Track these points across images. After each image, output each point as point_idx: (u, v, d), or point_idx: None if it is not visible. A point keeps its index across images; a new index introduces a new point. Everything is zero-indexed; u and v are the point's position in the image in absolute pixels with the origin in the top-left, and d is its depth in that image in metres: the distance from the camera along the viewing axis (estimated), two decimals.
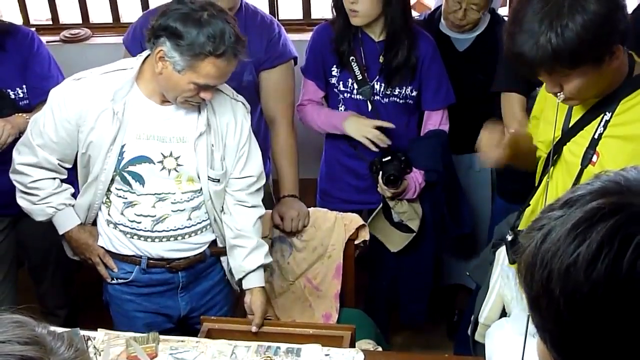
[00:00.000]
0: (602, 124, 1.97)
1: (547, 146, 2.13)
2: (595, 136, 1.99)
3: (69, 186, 2.57)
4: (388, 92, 3.01)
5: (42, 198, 2.53)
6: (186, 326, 2.73)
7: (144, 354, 2.03)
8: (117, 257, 2.57)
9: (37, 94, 2.90)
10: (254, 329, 2.46)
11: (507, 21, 1.97)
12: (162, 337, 2.34)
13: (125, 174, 2.43)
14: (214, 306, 2.65)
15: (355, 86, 3.00)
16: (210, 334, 2.46)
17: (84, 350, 1.09)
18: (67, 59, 3.50)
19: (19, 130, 2.74)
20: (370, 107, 3.03)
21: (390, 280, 3.34)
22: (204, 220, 2.54)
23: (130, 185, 2.44)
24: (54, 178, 2.53)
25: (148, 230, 2.49)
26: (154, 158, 2.42)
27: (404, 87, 3.00)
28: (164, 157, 2.42)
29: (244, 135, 2.52)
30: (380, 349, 2.89)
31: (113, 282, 2.61)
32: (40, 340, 1.03)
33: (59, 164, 2.50)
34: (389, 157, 3.00)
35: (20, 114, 2.82)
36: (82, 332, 2.33)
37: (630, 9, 2.25)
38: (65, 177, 2.57)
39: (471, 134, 3.21)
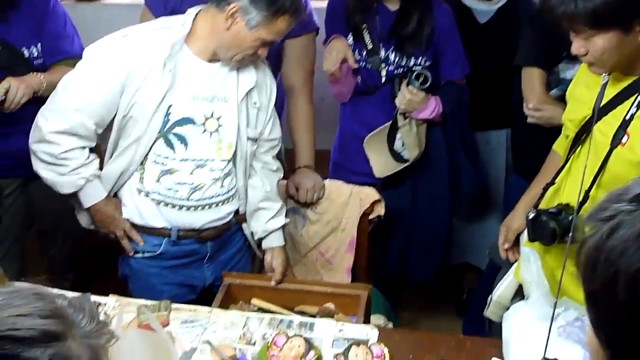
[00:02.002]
0: (636, 104, 1.95)
1: (577, 125, 2.10)
2: (627, 117, 1.96)
3: (96, 156, 2.46)
4: (403, 63, 2.97)
5: (73, 169, 2.40)
6: (208, 295, 2.61)
7: (156, 322, 2.00)
8: (145, 230, 2.50)
9: (52, 53, 2.85)
10: (273, 283, 2.54)
11: None
12: (173, 305, 2.31)
13: (170, 136, 2.37)
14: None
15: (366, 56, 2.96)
16: (230, 289, 2.48)
17: (105, 322, 1.05)
18: (80, 19, 3.42)
19: (32, 90, 2.70)
20: (384, 78, 2.98)
21: (400, 251, 3.30)
22: (233, 188, 2.51)
23: (173, 148, 2.38)
24: (84, 147, 2.41)
25: (184, 199, 2.43)
26: (197, 120, 2.38)
27: (419, 57, 2.96)
28: (206, 118, 2.39)
29: (272, 99, 2.54)
30: (391, 324, 2.88)
31: (137, 255, 2.54)
32: (62, 313, 0.99)
33: (95, 128, 2.37)
34: (420, 72, 2.90)
35: (34, 74, 2.77)
36: (93, 298, 2.29)
37: None
38: (94, 145, 2.45)
39: (489, 109, 3.19)
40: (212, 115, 2.39)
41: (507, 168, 3.36)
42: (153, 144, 2.37)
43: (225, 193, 2.49)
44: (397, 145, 3.05)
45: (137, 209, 2.47)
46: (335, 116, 3.26)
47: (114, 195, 2.51)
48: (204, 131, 2.39)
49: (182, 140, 2.38)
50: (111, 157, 2.43)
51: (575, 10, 1.83)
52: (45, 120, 2.37)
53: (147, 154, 2.39)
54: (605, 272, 0.87)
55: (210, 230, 2.52)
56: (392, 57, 2.97)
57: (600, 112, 2.01)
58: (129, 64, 2.30)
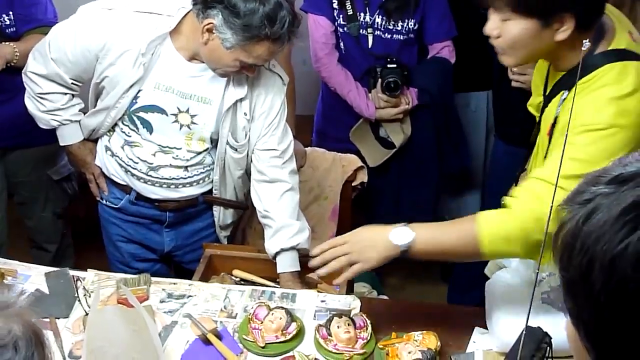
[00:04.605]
0: (560, 103, 1.86)
1: (536, 109, 2.05)
2: (556, 114, 1.88)
3: (80, 101, 2.51)
4: (390, 27, 2.94)
5: (49, 110, 2.47)
6: (171, 262, 2.74)
7: (134, 298, 1.97)
8: (110, 181, 2.56)
9: (25, 21, 2.80)
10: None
11: None
12: (154, 279, 2.28)
13: (135, 117, 2.37)
14: (198, 248, 2.58)
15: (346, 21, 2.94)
16: (211, 261, 2.45)
17: (13, 286, 1.05)
18: None
19: (5, 61, 2.67)
20: (370, 43, 2.95)
21: (387, 221, 3.28)
22: (201, 173, 2.47)
23: (137, 128, 2.38)
24: (65, 93, 2.45)
25: (142, 173, 2.45)
26: (168, 110, 2.34)
27: (406, 20, 2.93)
28: (180, 111, 2.34)
29: (275, 109, 2.39)
30: (375, 292, 2.87)
31: (103, 202, 2.62)
32: None
33: (72, 82, 2.42)
34: (394, 65, 2.94)
35: (6, 43, 2.72)
36: (72, 272, 2.27)
37: None
38: (78, 93, 2.49)
39: (470, 71, 3.15)
40: (186, 111, 2.34)
41: (487, 130, 3.34)
42: (120, 118, 2.39)
43: (188, 177, 2.46)
44: (382, 132, 3.06)
45: (105, 163, 2.53)
46: (317, 80, 3.21)
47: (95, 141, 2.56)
48: (175, 121, 2.36)
49: (147, 125, 2.37)
50: (90, 110, 2.48)
51: None
52: (33, 59, 2.43)
53: (116, 123, 2.41)
54: (581, 260, 0.83)
55: (170, 202, 2.52)
56: (378, 20, 2.93)
57: (545, 100, 1.95)
58: (107, 37, 2.28)
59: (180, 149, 2.40)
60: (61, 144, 2.58)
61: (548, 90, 1.95)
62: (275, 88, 2.40)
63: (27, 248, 3.28)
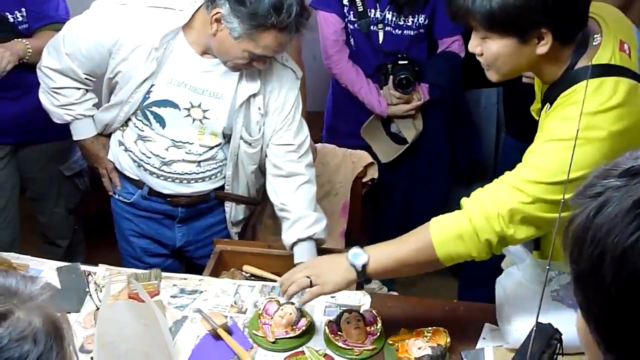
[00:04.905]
0: (545, 114, 1.85)
1: (536, 114, 2.04)
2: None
3: (93, 96, 2.53)
4: (401, 23, 2.95)
5: (63, 104, 2.49)
6: (182, 257, 2.74)
7: (144, 293, 1.98)
8: (123, 176, 2.57)
9: (37, 18, 2.81)
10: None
11: None
12: (164, 274, 2.30)
13: (148, 112, 2.38)
14: (210, 244, 2.59)
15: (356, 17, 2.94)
16: (222, 256, 2.46)
17: (35, 277, 1.07)
18: None
19: (18, 57, 2.68)
20: (381, 39, 2.95)
21: (398, 216, 3.29)
22: (214, 169, 2.48)
23: (150, 123, 2.40)
24: (79, 88, 2.47)
25: (155, 168, 2.46)
26: (181, 105, 2.35)
27: (416, 16, 2.93)
28: (192, 106, 2.35)
29: (289, 104, 2.39)
30: (385, 288, 2.87)
31: (116, 197, 2.64)
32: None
33: (85, 77, 2.44)
34: (406, 61, 2.94)
35: (19, 40, 2.73)
36: (83, 267, 2.29)
37: None
38: (92, 88, 2.51)
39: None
40: (198, 106, 2.35)
41: (497, 126, 3.33)
42: (133, 113, 2.40)
43: (200, 172, 2.47)
44: (394, 128, 3.06)
45: (118, 158, 2.54)
46: (327, 76, 3.21)
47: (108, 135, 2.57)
48: (187, 116, 2.37)
49: (160, 119, 2.38)
50: (103, 105, 2.49)
51: (472, 7, 1.70)
52: (47, 54, 2.45)
53: (129, 118, 2.42)
54: (591, 252, 0.83)
55: (182, 197, 2.53)
56: (389, 16, 2.93)
57: (541, 107, 1.94)
58: (120, 32, 2.30)
59: (192, 143, 2.40)
60: (74, 138, 2.59)
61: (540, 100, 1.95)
62: (289, 82, 2.40)
63: (38, 243, 3.30)
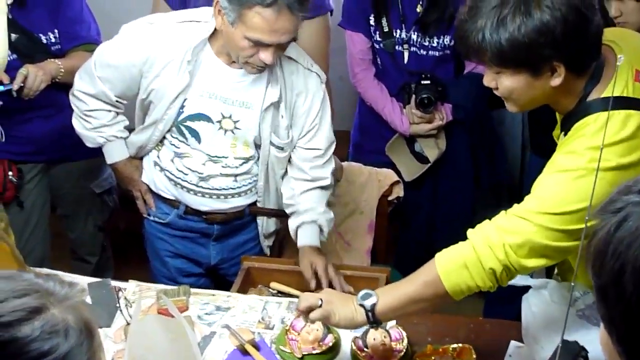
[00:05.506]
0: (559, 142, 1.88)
1: (557, 139, 2.05)
2: None
3: (124, 118, 2.58)
4: (426, 43, 2.96)
5: (95, 127, 2.54)
6: (216, 276, 2.76)
7: (174, 308, 2.00)
8: (158, 196, 2.60)
9: (69, 39, 2.86)
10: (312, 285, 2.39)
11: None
12: (193, 290, 2.32)
13: (183, 128, 2.42)
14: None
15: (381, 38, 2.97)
16: (249, 273, 2.49)
17: (72, 282, 1.10)
18: (96, 4, 3.42)
19: (50, 77, 2.72)
20: (406, 59, 2.98)
21: (423, 235, 3.30)
22: (249, 184, 2.52)
23: (186, 138, 2.43)
24: (110, 110, 2.52)
25: (193, 184, 2.49)
26: (214, 117, 2.38)
27: (442, 37, 2.95)
28: (223, 117, 2.39)
29: (315, 108, 2.44)
30: None
31: (150, 218, 2.66)
32: (36, 287, 1.03)
33: (117, 100, 2.49)
34: (428, 82, 2.96)
35: (52, 60, 2.78)
36: (113, 283, 2.32)
37: None
38: (123, 111, 2.56)
39: None
40: (229, 117, 2.39)
41: (523, 145, 3.34)
42: (169, 130, 2.43)
43: (237, 187, 2.51)
44: (417, 147, 3.09)
45: (153, 178, 2.57)
46: (354, 96, 3.25)
47: (140, 158, 2.60)
48: (220, 128, 2.40)
49: (195, 134, 2.42)
50: (137, 127, 2.53)
51: (482, 45, 1.71)
52: (79, 79, 2.50)
53: (164, 136, 2.46)
54: (613, 265, 0.86)
55: (218, 214, 2.56)
56: (414, 37, 2.96)
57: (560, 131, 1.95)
58: (150, 51, 2.34)
59: (227, 157, 2.43)
60: (108, 162, 2.63)
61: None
62: (314, 87, 2.44)
63: (69, 260, 3.34)
